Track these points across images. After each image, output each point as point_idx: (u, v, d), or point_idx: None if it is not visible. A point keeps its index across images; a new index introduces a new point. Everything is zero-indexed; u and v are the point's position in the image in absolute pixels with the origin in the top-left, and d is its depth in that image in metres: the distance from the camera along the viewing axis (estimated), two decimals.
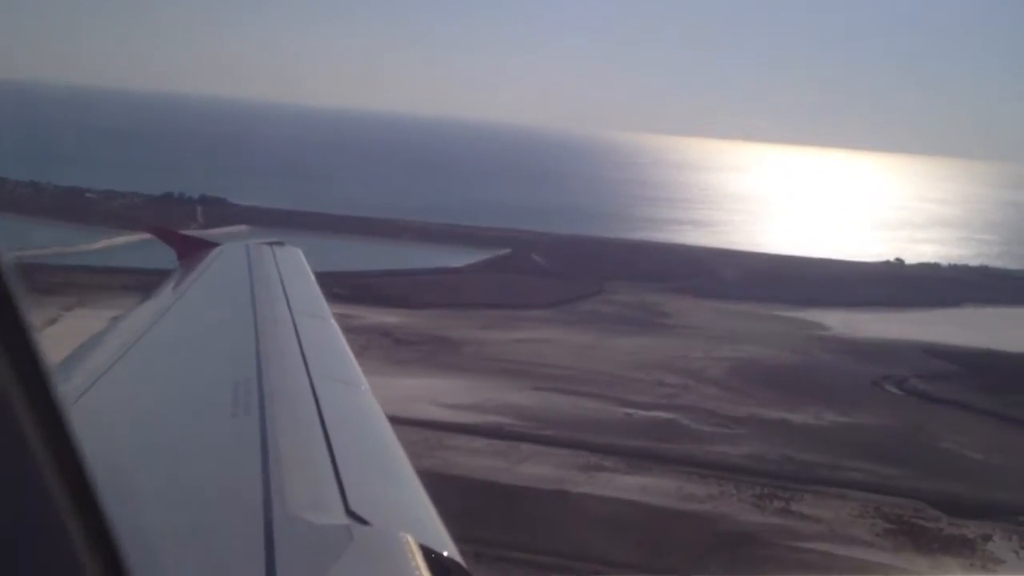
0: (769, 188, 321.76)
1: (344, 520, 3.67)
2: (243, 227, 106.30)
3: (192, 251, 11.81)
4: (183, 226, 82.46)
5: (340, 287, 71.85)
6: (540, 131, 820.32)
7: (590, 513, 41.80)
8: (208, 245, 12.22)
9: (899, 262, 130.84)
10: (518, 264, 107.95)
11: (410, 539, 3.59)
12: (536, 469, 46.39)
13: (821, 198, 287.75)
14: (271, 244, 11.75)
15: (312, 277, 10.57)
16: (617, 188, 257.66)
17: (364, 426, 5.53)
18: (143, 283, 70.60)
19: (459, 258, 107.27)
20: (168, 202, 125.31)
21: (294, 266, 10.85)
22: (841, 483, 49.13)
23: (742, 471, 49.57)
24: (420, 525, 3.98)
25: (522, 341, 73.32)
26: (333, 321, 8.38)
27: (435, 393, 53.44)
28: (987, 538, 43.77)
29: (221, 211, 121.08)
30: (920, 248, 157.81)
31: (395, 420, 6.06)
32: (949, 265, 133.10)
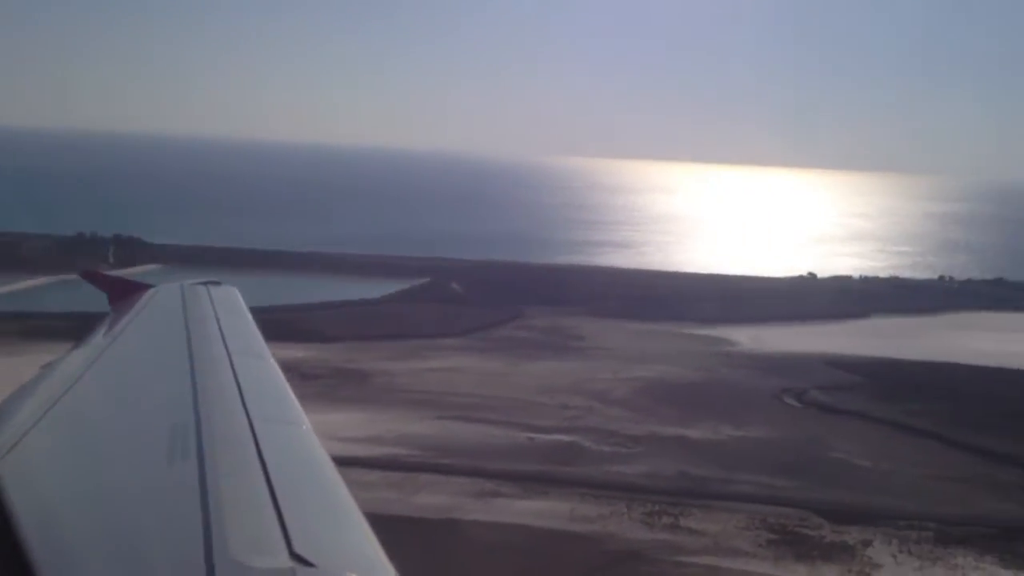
0: (699, 208, 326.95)
1: (288, 563, 3.60)
2: (155, 266, 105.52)
3: (125, 294, 11.58)
4: (92, 267, 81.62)
5: None
6: (482, 159, 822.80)
7: (479, 540, 42.37)
8: (141, 287, 11.98)
9: (812, 276, 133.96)
10: (437, 293, 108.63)
11: None
12: (430, 499, 46.88)
13: (748, 216, 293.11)
14: (207, 284, 11.53)
15: (249, 316, 10.33)
16: (552, 213, 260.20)
17: (306, 466, 5.41)
18: (40, 328, 70.08)
19: (378, 289, 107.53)
20: (80, 243, 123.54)
21: (231, 305, 10.65)
22: (732, 496, 50.38)
23: (637, 489, 50.56)
24: (367, 564, 3.92)
25: (433, 370, 73.85)
26: (272, 360, 8.22)
27: (334, 427, 53.51)
28: (867, 543, 45.23)
29: (135, 251, 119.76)
30: (838, 262, 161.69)
31: None
32: (860, 277, 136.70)
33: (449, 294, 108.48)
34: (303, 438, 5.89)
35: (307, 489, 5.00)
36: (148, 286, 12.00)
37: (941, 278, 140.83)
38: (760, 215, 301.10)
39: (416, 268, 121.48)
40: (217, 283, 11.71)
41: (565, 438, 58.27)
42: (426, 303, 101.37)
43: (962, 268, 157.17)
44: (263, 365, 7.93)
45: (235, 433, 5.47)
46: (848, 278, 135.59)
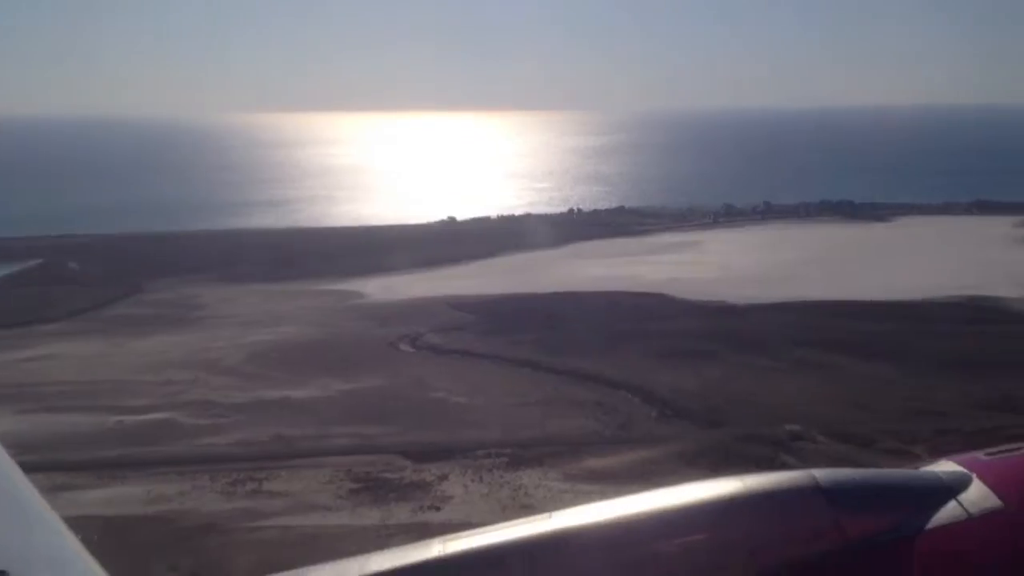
0: (365, 158, 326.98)
1: None
2: None
3: None
4: None
5: None
6: (140, 121, 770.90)
7: None
8: None
9: (452, 220, 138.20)
10: (51, 274, 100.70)
11: None
12: None
13: (410, 163, 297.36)
14: None
15: None
16: (206, 175, 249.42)
17: None
18: None
19: None
20: None
21: None
22: (324, 452, 50.98)
23: (226, 459, 49.87)
24: (67, 567, 3.89)
25: (28, 360, 68.56)
26: None
27: None
28: (443, 478, 47.43)
29: None
30: (483, 203, 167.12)
31: None
32: (498, 217, 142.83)
33: (66, 274, 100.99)
34: None
35: None
36: None
37: (570, 211, 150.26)
38: (422, 160, 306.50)
39: (27, 250, 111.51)
40: None
41: (160, 416, 56.25)
42: (35, 286, 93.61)
43: (592, 199, 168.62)
44: None
45: None
46: (487, 219, 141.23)
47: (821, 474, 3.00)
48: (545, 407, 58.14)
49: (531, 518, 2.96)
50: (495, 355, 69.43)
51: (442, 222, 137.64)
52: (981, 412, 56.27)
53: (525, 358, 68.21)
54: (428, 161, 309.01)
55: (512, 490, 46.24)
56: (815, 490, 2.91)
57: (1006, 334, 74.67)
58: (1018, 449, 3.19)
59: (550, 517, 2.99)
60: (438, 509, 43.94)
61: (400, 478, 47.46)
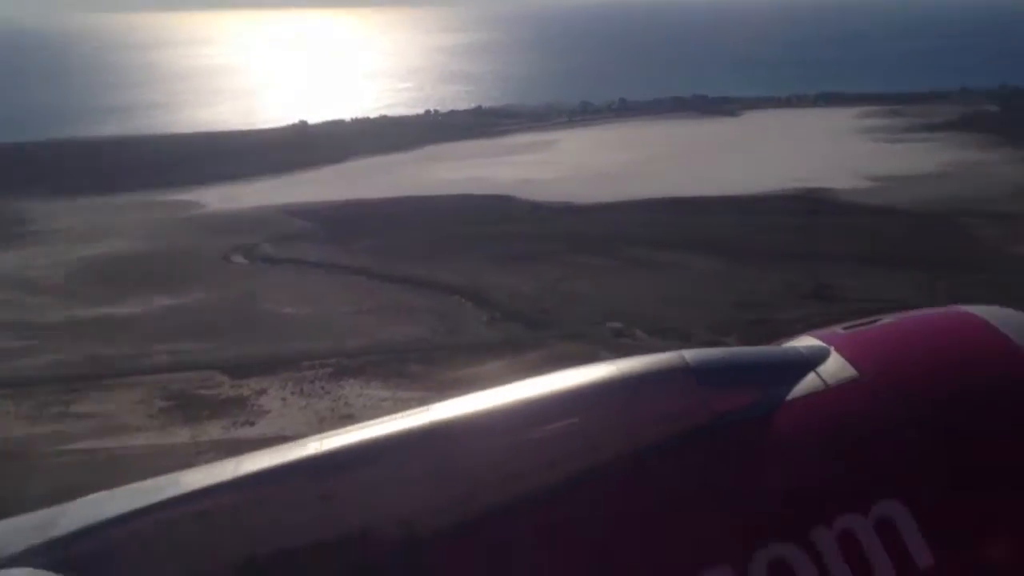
0: (233, 59, 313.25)
1: None
2: None
3: None
4: None
5: None
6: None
7: None
8: None
9: (303, 124, 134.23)
10: None
11: None
12: None
13: (273, 65, 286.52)
14: None
15: None
16: (57, 81, 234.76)
17: None
18: None
19: None
20: None
21: None
22: (140, 371, 49.64)
23: (35, 382, 48.08)
24: None
25: None
26: None
27: None
28: (262, 392, 46.85)
29: None
30: (339, 105, 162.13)
31: None
32: (352, 120, 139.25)
33: None
34: None
35: None
36: None
37: (428, 112, 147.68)
38: (285, 61, 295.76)
39: None
40: None
41: None
42: None
43: (453, 99, 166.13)
44: None
45: None
46: (340, 122, 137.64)
47: (690, 354, 3.07)
48: (377, 315, 57.77)
49: (408, 412, 2.85)
50: (331, 264, 68.43)
51: (293, 126, 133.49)
52: (799, 301, 58.65)
53: (361, 266, 67.44)
54: (287, 61, 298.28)
55: (332, 401, 46.04)
56: (685, 370, 2.97)
57: (836, 226, 77.45)
58: (874, 322, 3.32)
59: (428, 410, 2.90)
60: (252, 424, 43.47)
61: (216, 395, 46.67)
